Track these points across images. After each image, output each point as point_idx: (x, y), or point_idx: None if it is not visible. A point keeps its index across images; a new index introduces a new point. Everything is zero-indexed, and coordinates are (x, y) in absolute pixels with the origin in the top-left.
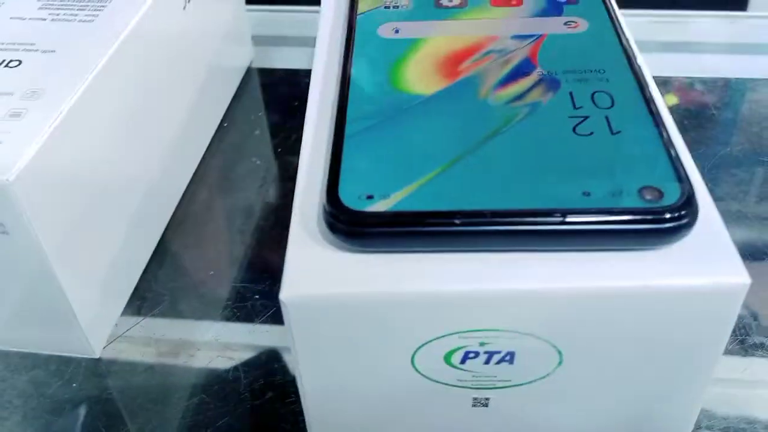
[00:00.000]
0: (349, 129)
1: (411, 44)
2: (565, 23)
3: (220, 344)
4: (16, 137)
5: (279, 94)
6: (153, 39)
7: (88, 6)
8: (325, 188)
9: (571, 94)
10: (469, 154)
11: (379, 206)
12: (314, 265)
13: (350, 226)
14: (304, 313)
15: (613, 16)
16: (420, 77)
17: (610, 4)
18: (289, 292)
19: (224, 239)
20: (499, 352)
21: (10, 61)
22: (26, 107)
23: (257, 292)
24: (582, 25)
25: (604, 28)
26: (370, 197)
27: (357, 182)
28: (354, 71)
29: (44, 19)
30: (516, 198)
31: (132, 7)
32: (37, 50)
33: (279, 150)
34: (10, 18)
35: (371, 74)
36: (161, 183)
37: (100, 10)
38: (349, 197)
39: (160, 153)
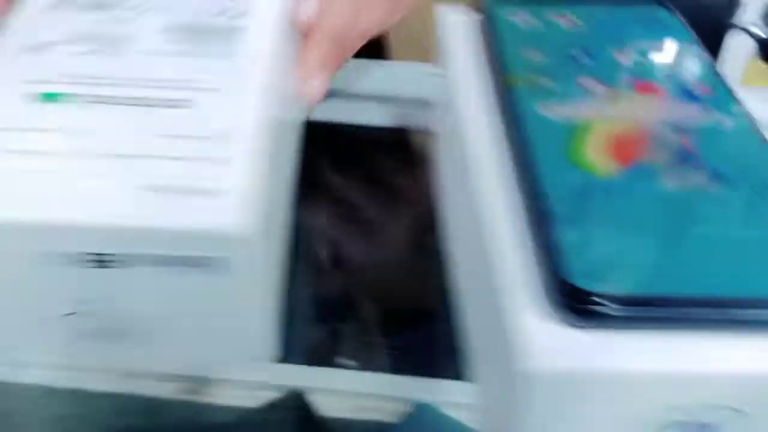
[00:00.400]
0: (552, 208)
1: (577, 126)
2: (708, 112)
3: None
4: (234, 184)
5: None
6: (284, 74)
7: (214, 39)
8: (546, 267)
9: (745, 183)
10: (673, 238)
11: (613, 287)
12: (550, 341)
13: (587, 306)
14: (548, 386)
15: (743, 105)
16: (597, 160)
17: (734, 91)
18: (534, 364)
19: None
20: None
21: (180, 100)
22: (228, 152)
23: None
24: (723, 115)
25: (743, 118)
26: (598, 277)
27: (580, 262)
28: (533, 150)
29: (183, 54)
30: (735, 285)
31: (260, 39)
32: (200, 89)
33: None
34: (146, 53)
35: (551, 154)
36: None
37: (230, 43)
38: (579, 277)
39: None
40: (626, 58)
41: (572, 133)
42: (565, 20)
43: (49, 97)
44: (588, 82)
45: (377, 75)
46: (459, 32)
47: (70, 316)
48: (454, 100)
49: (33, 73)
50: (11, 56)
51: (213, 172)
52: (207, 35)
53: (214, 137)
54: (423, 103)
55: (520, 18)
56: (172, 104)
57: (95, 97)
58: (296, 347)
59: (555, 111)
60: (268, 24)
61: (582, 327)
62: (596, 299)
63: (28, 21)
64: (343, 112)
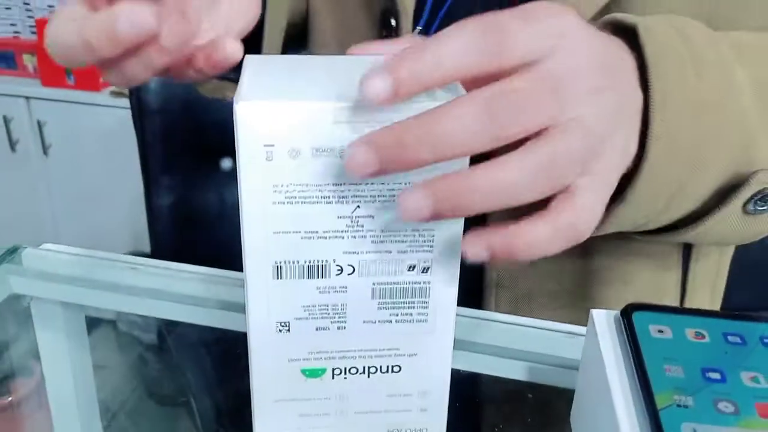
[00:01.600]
0: None
1: None
2: None
3: None
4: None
5: None
6: None
7: (409, 303)
8: None
9: None
10: None
11: None
12: None
13: None
14: None
15: None
16: None
17: None
18: None
19: None
20: None
21: (393, 366)
22: (426, 403)
23: None
24: None
25: None
26: None
27: None
28: None
29: (389, 321)
30: None
31: (447, 298)
32: (405, 355)
33: None
34: (364, 322)
35: None
36: None
37: (425, 306)
38: None
39: None
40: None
41: None
42: (697, 336)
43: (312, 374)
44: (723, 405)
45: (515, 332)
46: (607, 331)
47: None
48: (602, 392)
49: (292, 353)
50: (268, 335)
51: (418, 419)
52: (404, 298)
53: (416, 394)
54: (554, 361)
55: (659, 329)
56: (387, 370)
57: (339, 369)
58: None
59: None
60: (450, 279)
61: None
62: None
63: (266, 296)
64: (476, 365)
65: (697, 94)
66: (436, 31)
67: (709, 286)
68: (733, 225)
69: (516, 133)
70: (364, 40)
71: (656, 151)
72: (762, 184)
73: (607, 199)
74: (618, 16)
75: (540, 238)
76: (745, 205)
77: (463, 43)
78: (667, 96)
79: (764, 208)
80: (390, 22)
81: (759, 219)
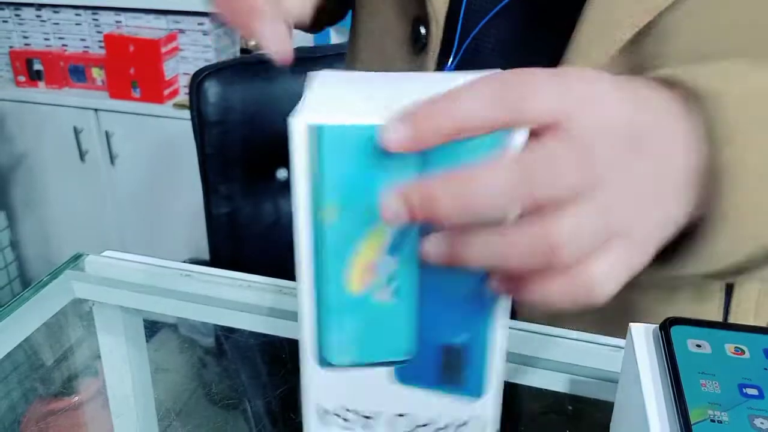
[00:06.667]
0: None
1: None
2: None
3: None
4: None
5: None
6: None
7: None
8: None
9: None
10: None
11: None
12: None
13: None
14: None
15: None
16: None
17: None
18: None
19: None
20: None
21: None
22: None
23: None
24: None
25: None
26: None
27: None
28: None
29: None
30: None
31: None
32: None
33: None
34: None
35: None
36: None
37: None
38: None
39: None
40: None
41: None
42: (737, 351)
43: None
44: (759, 421)
45: (556, 344)
46: (645, 345)
47: None
48: (638, 405)
49: None
50: None
51: None
52: None
53: None
54: (595, 374)
55: (697, 343)
56: None
57: None
58: None
59: None
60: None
61: None
62: None
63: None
64: (517, 376)
65: None
66: (467, 50)
67: (752, 311)
68: None
69: (548, 196)
70: (397, 46)
71: (724, 228)
72: None
73: (637, 267)
74: (680, 78)
75: (552, 290)
76: None
77: (484, 97)
78: (739, 176)
79: None
80: (420, 30)
81: None
